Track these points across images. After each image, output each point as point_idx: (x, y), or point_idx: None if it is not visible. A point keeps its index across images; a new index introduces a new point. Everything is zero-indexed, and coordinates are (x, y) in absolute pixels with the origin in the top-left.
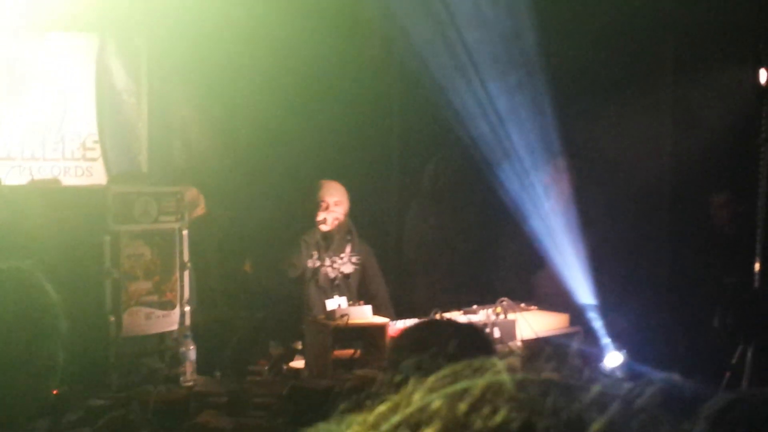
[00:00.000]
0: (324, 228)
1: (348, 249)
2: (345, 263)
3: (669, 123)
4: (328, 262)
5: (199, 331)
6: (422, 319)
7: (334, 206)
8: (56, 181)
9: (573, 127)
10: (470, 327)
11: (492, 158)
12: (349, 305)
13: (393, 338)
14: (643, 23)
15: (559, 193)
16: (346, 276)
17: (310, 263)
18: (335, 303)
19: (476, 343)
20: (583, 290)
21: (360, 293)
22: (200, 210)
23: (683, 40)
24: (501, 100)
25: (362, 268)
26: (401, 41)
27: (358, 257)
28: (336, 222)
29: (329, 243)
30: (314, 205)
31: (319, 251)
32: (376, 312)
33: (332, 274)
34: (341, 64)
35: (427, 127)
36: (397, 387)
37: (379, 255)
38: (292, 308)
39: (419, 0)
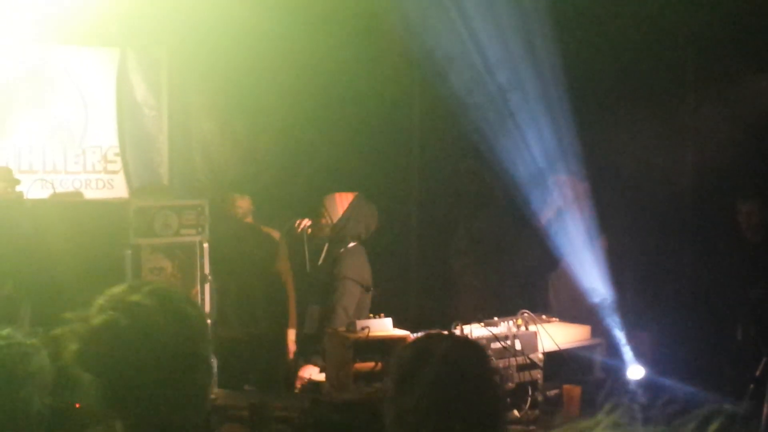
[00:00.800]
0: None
1: (330, 259)
2: (321, 271)
3: (690, 135)
4: (308, 265)
5: (238, 345)
6: (422, 332)
7: (316, 215)
8: (78, 194)
9: (594, 141)
10: (469, 342)
11: (511, 168)
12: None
13: (395, 351)
14: (663, 37)
15: (567, 207)
16: (320, 284)
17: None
18: (310, 310)
19: (474, 358)
20: (605, 302)
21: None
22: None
23: (703, 53)
24: (521, 113)
25: (332, 280)
26: (421, 52)
27: (334, 269)
28: (309, 231)
29: (316, 248)
30: None
31: (312, 257)
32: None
33: (316, 282)
34: (361, 75)
35: (448, 137)
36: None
37: (400, 263)
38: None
39: (439, 11)
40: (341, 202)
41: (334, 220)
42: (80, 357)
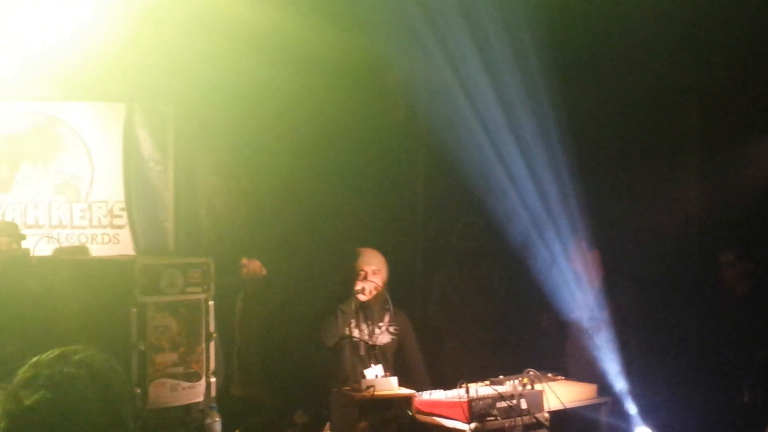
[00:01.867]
0: (362, 298)
1: (386, 318)
2: (383, 332)
3: (695, 191)
4: (366, 331)
5: (235, 403)
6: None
7: (372, 275)
8: (83, 248)
9: (596, 199)
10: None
11: (516, 224)
12: (385, 375)
13: None
14: (668, 92)
15: (585, 273)
16: (383, 346)
17: (347, 332)
18: (373, 372)
19: None
20: (611, 362)
21: (397, 363)
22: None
23: (708, 108)
24: (525, 168)
25: (399, 339)
26: (425, 106)
27: (396, 327)
28: (375, 291)
29: (367, 312)
30: (352, 273)
31: (357, 320)
32: (412, 383)
33: (370, 344)
34: (367, 130)
35: (452, 191)
36: None
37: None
38: (324, 378)
39: (443, 68)
40: (381, 257)
41: (385, 280)
42: None
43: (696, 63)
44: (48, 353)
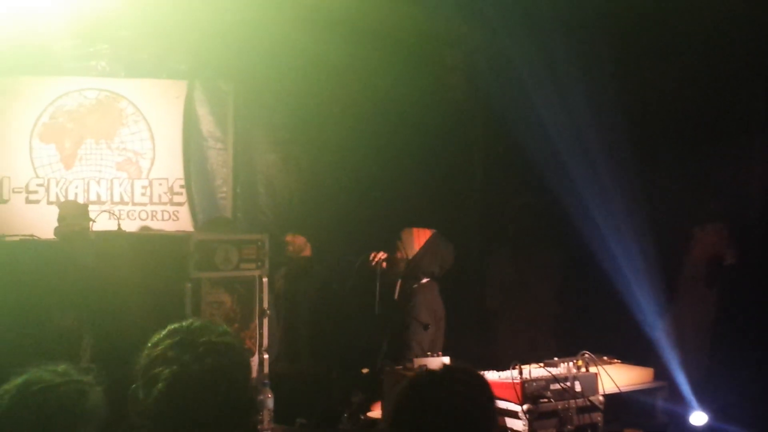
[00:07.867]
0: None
1: (405, 295)
2: (398, 309)
3: (760, 174)
4: (389, 307)
5: (283, 380)
6: (424, 371)
7: (391, 249)
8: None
9: (659, 178)
10: (475, 381)
11: (575, 205)
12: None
13: (397, 393)
14: (734, 75)
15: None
16: (395, 321)
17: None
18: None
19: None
20: (666, 345)
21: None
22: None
23: None
24: (583, 149)
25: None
26: (485, 87)
27: (407, 305)
28: (384, 265)
29: (394, 289)
30: None
31: (388, 294)
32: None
33: (388, 317)
34: (426, 109)
35: (509, 172)
36: None
37: (461, 301)
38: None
39: (504, 47)
40: (418, 238)
41: (410, 255)
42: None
43: (762, 45)
44: (187, 323)
